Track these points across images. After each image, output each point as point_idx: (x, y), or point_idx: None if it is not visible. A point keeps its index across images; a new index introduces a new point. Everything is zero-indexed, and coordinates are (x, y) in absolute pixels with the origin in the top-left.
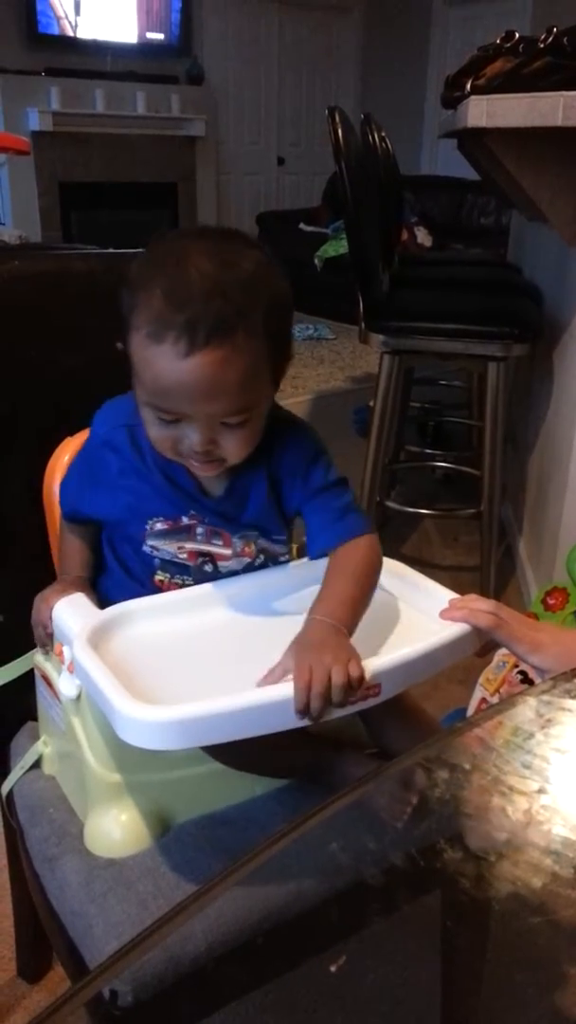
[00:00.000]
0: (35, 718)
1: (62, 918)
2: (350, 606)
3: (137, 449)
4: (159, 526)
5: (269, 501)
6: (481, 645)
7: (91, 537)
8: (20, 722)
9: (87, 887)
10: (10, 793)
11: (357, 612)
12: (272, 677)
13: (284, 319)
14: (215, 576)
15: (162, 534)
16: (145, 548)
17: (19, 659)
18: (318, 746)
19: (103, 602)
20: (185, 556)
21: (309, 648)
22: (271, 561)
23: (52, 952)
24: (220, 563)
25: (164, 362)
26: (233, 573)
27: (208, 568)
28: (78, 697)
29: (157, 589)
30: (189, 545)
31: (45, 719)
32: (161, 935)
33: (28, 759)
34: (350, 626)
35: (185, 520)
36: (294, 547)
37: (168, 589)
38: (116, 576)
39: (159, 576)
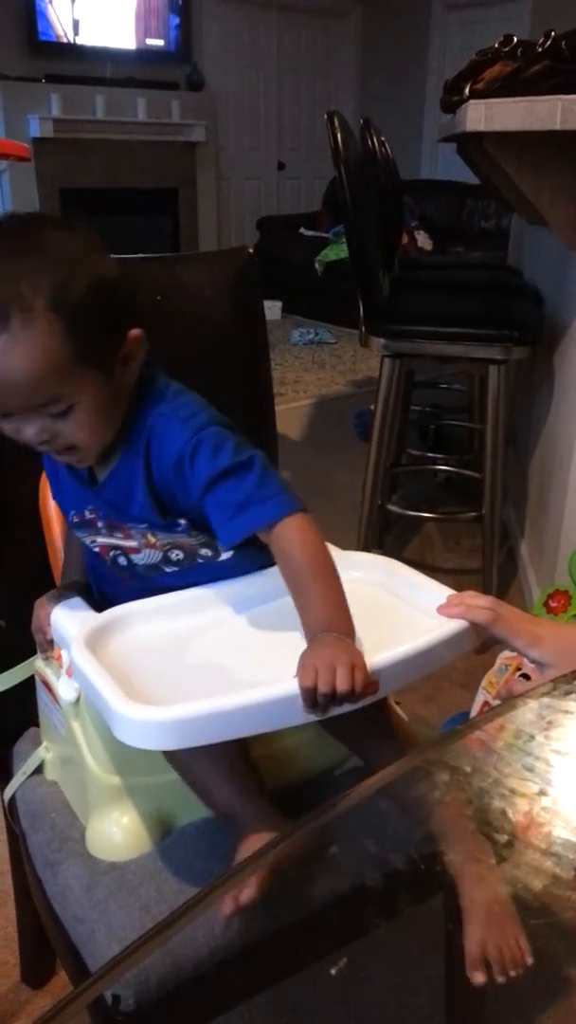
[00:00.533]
0: (36, 724)
1: (64, 923)
2: (338, 608)
3: None
4: (75, 519)
5: (149, 499)
6: (480, 642)
7: None
8: (22, 728)
9: (89, 892)
10: (12, 799)
11: (345, 608)
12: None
13: (88, 299)
14: (131, 569)
15: (78, 526)
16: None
17: (20, 665)
18: (247, 791)
19: (96, 594)
20: (98, 550)
21: (314, 653)
22: (188, 556)
23: (55, 958)
24: (132, 556)
25: None
26: (153, 566)
27: (122, 561)
28: (77, 700)
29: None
30: (100, 539)
31: (46, 724)
32: (163, 939)
33: (30, 765)
34: (349, 627)
35: (87, 514)
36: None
37: (118, 575)
38: (93, 563)
39: (106, 564)
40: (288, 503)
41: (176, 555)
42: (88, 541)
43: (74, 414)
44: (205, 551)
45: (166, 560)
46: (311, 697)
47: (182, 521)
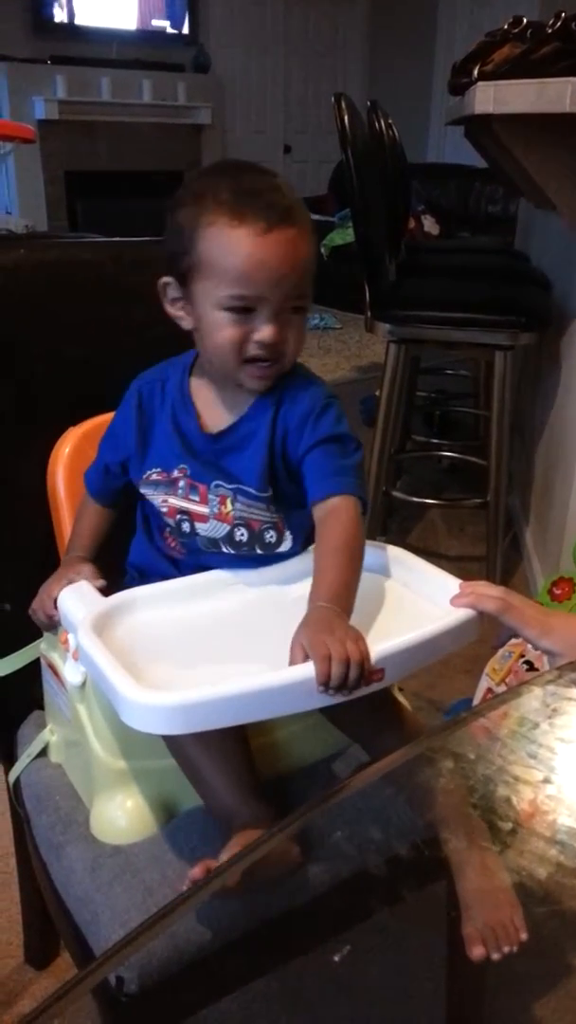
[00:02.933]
0: (42, 707)
1: (68, 905)
2: (348, 590)
3: (161, 398)
4: (154, 476)
5: (265, 450)
6: (495, 636)
7: (108, 519)
8: (27, 711)
9: (93, 874)
10: (17, 781)
11: (354, 594)
12: (295, 660)
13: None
14: (192, 539)
15: (154, 484)
16: (143, 497)
17: (25, 648)
18: (247, 792)
19: (131, 564)
20: (167, 510)
21: (319, 629)
22: (253, 537)
23: (59, 939)
24: (197, 523)
25: (247, 240)
26: (213, 541)
27: (186, 527)
28: (83, 684)
29: (165, 543)
30: (172, 500)
31: (51, 708)
32: (167, 923)
33: (34, 747)
34: (350, 610)
35: (175, 472)
36: (287, 534)
37: (171, 544)
38: (140, 532)
39: (166, 530)
40: (365, 492)
41: (241, 534)
42: (159, 500)
43: (302, 317)
44: (271, 535)
45: (229, 538)
46: (327, 671)
47: (270, 489)
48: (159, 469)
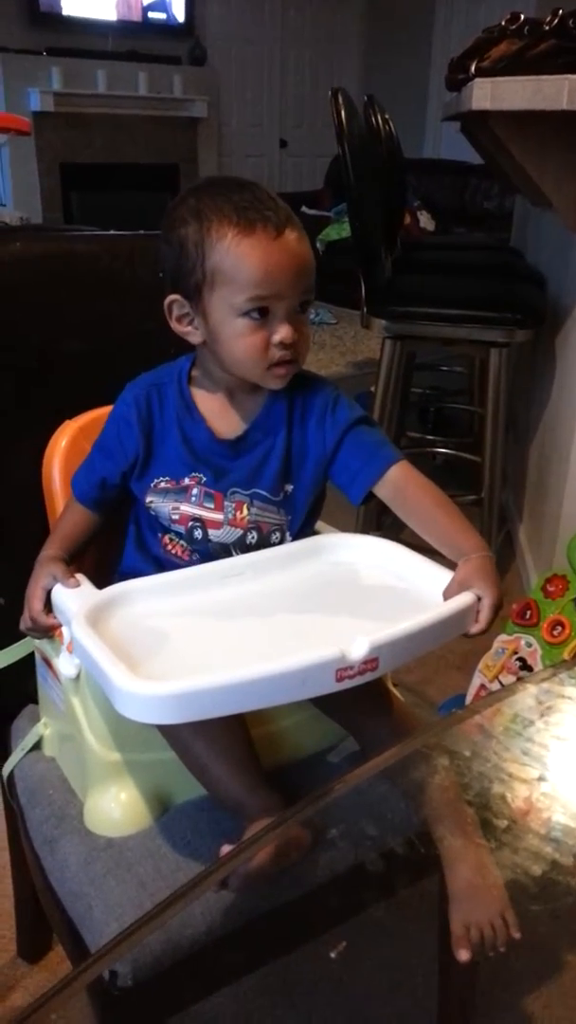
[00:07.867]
0: (35, 701)
1: (62, 899)
2: (477, 535)
3: (160, 407)
4: (162, 484)
5: (281, 454)
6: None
7: (94, 523)
8: (21, 705)
9: (87, 868)
10: (11, 775)
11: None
12: (451, 592)
13: None
14: (205, 544)
15: (163, 492)
16: (148, 505)
17: (20, 642)
18: (252, 781)
19: (124, 572)
20: (178, 517)
21: (495, 583)
22: (261, 540)
23: (52, 933)
24: (210, 530)
25: (261, 247)
26: (224, 547)
27: (198, 534)
28: (77, 677)
29: (165, 550)
30: (184, 507)
31: (45, 701)
32: (161, 918)
33: (28, 741)
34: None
35: (186, 480)
36: (288, 537)
37: (172, 551)
38: (132, 542)
39: (167, 536)
40: (400, 452)
41: (251, 538)
42: (169, 508)
43: (306, 316)
44: (276, 536)
45: (240, 542)
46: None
47: (289, 487)
48: (168, 477)
